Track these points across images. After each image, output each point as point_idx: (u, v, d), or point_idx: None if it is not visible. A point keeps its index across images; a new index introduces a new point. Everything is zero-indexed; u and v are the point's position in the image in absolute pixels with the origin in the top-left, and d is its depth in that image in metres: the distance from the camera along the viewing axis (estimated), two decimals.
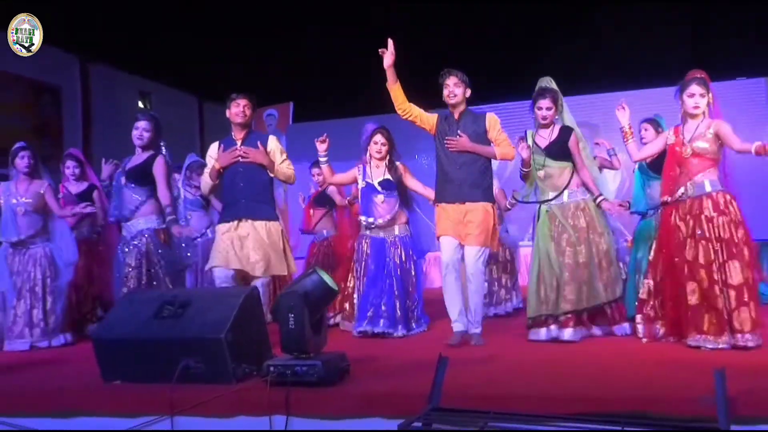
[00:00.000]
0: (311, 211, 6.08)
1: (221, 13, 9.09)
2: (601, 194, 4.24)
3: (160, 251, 4.48)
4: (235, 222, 4.27)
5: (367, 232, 4.82)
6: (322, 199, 5.91)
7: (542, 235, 4.22)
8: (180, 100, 13.01)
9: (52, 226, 5.17)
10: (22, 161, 5.06)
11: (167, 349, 3.14)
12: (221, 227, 4.36)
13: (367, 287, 4.71)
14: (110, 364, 3.28)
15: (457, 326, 4.17)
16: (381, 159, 4.76)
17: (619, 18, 9.01)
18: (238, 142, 4.34)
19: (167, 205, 4.49)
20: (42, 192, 5.04)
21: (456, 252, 4.17)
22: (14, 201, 5.02)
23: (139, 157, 4.61)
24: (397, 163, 4.80)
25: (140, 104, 12.22)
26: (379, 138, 4.75)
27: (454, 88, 4.21)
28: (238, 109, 4.30)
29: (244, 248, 4.21)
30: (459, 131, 4.18)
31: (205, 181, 4.49)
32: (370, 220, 4.75)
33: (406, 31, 9.38)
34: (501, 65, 9.92)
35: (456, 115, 4.27)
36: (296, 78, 10.30)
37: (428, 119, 4.33)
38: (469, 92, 4.26)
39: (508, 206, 5.60)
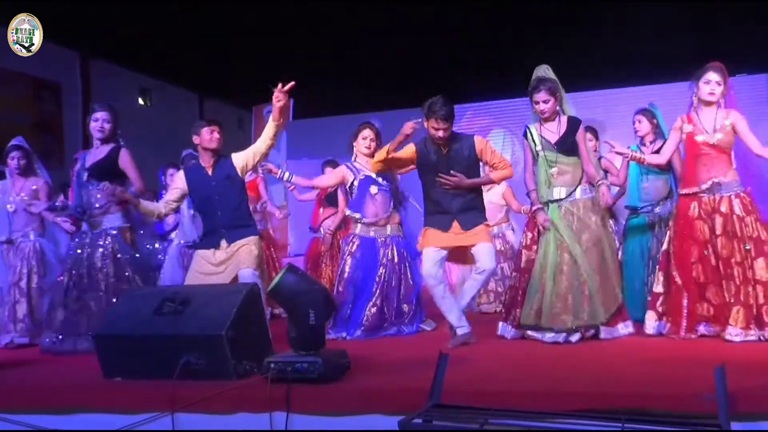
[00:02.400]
0: (321, 209, 6.04)
1: (222, 9, 9.06)
2: (603, 178, 4.03)
3: (127, 251, 4.36)
4: (212, 250, 4.11)
5: (357, 231, 4.62)
6: (333, 199, 5.84)
7: (566, 236, 3.92)
8: (181, 97, 12.98)
9: (46, 222, 5.16)
10: (12, 162, 5.07)
11: (168, 345, 3.14)
12: (200, 253, 4.16)
13: (353, 292, 4.51)
14: (111, 360, 3.28)
15: (462, 329, 4.04)
16: (369, 155, 4.60)
17: (619, 13, 8.97)
18: (209, 169, 4.15)
19: (142, 192, 4.32)
20: (37, 189, 5.05)
21: (439, 264, 4.03)
22: (10, 199, 5.04)
23: (100, 151, 4.42)
24: None
25: (140, 101, 12.19)
26: (367, 133, 4.63)
27: (444, 133, 3.92)
28: (212, 136, 4.14)
29: (222, 267, 4.08)
30: (452, 171, 3.96)
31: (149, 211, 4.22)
32: (357, 215, 4.57)
33: (404, 27, 9.38)
34: (499, 61, 9.89)
35: (444, 150, 4.00)
36: (297, 74, 10.27)
37: (406, 159, 4.09)
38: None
39: (524, 212, 5.48)
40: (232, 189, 4.15)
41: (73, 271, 4.39)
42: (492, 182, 4.26)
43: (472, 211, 4.07)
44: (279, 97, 3.90)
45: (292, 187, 6.27)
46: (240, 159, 4.17)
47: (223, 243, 4.10)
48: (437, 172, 4.00)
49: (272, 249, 6.19)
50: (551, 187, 4.03)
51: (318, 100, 11.19)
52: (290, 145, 11.13)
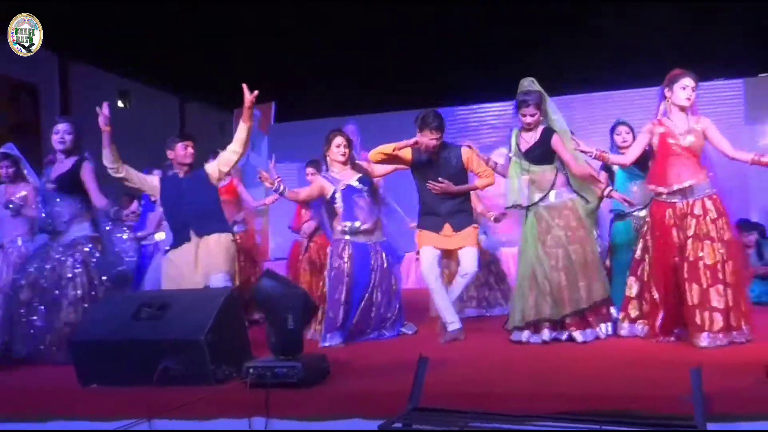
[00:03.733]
0: (303, 210, 5.98)
1: (203, 11, 9.02)
2: (608, 185, 4.25)
3: (98, 258, 4.35)
4: (185, 245, 4.20)
5: (347, 237, 4.57)
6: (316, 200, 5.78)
7: (530, 239, 4.16)
8: (160, 100, 12.88)
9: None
10: (1, 170, 5.04)
11: (146, 351, 3.12)
12: (171, 254, 4.26)
13: (348, 298, 4.45)
14: (87, 367, 3.24)
15: (454, 325, 4.31)
16: (344, 162, 4.62)
17: (605, 18, 9.05)
18: (181, 174, 4.32)
19: (105, 205, 4.34)
20: (24, 195, 5.02)
21: (436, 260, 4.41)
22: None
23: (64, 164, 4.42)
24: (358, 162, 4.71)
25: (120, 104, 12.08)
26: (340, 140, 4.61)
27: (437, 142, 4.33)
28: (187, 151, 4.28)
29: (194, 266, 4.12)
30: (440, 178, 4.35)
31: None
32: (357, 224, 4.52)
33: (396, 26, 9.38)
34: (490, 64, 9.92)
35: (434, 158, 4.41)
36: (279, 77, 10.25)
37: (402, 158, 4.42)
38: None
39: (494, 220, 5.52)
40: (203, 189, 4.27)
41: (38, 282, 4.28)
42: (476, 189, 4.61)
43: (460, 213, 4.45)
44: (249, 100, 4.03)
45: (272, 200, 6.15)
46: (210, 169, 4.35)
47: (193, 236, 4.17)
48: (428, 177, 4.39)
49: (254, 253, 6.12)
50: (522, 193, 4.24)
51: (301, 103, 11.20)
52: (272, 149, 11.11)
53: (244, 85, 4.03)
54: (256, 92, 4.03)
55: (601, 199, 4.34)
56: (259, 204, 6.23)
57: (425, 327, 4.76)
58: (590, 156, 4.06)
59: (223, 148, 4.48)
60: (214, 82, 11.28)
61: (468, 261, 4.38)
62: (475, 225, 4.53)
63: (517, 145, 4.27)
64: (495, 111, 10.15)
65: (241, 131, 4.23)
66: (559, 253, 4.06)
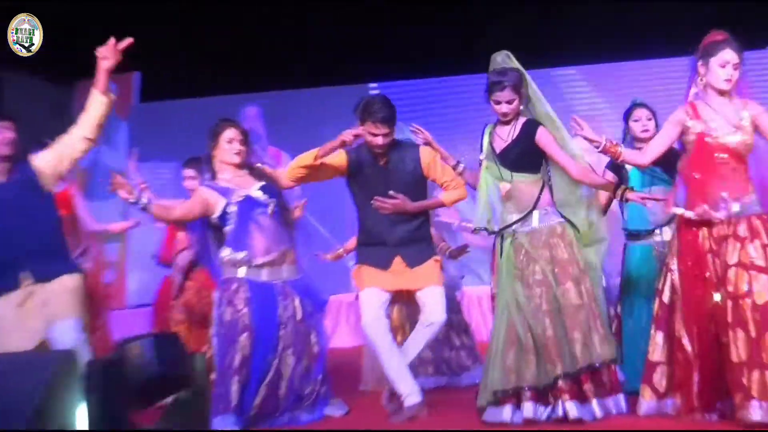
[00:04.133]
0: (177, 233, 5.87)
1: None
2: (621, 184, 4.39)
3: None
4: (12, 294, 4.12)
5: (241, 274, 4.51)
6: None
7: (506, 276, 4.22)
8: None
9: None
10: None
11: None
12: None
13: (242, 364, 4.40)
14: None
15: (413, 397, 4.40)
16: (239, 165, 4.63)
17: None
18: (1, 176, 4.22)
19: None
20: None
21: (383, 307, 4.54)
22: None
23: None
24: (258, 165, 4.76)
25: None
26: (232, 133, 4.61)
27: (384, 140, 4.42)
28: (2, 137, 4.22)
29: (25, 316, 4.09)
30: (391, 191, 4.44)
31: None
32: (242, 255, 4.50)
33: None
34: (446, 24, 10.09)
35: (382, 161, 4.53)
36: (145, 37, 10.14)
37: (332, 167, 4.49)
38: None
39: (450, 255, 5.59)
40: (37, 203, 4.21)
41: None
42: (442, 205, 4.72)
43: (417, 243, 4.59)
44: (106, 54, 4.05)
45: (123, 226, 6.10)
46: (43, 162, 4.23)
47: (27, 279, 4.10)
48: (372, 191, 4.46)
49: (99, 298, 5.96)
50: (495, 211, 4.34)
51: (177, 74, 11.09)
52: (134, 141, 10.97)
53: (113, 40, 4.04)
54: (115, 43, 4.02)
55: (607, 206, 4.42)
56: (104, 229, 6.05)
57: (361, 402, 4.76)
58: (596, 148, 4.16)
59: (55, 136, 4.39)
60: (47, 44, 11.04)
61: (434, 306, 4.48)
62: (437, 258, 4.68)
63: (491, 144, 4.33)
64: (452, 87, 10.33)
65: (95, 107, 4.17)
66: (542, 293, 4.13)
